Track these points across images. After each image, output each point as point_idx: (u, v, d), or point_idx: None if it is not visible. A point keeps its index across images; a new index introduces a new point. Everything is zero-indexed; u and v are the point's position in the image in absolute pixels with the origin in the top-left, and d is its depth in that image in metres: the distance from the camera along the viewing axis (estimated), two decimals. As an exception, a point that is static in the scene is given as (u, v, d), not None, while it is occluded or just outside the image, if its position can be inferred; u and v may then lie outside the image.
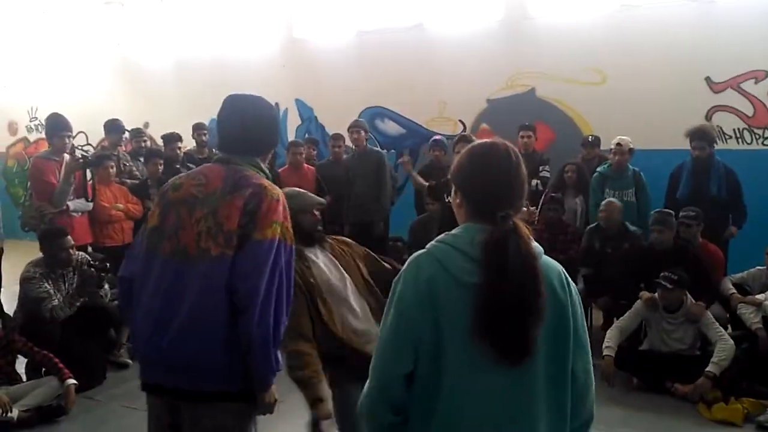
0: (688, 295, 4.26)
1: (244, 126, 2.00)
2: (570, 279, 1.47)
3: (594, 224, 5.26)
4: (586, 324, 1.50)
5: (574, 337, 1.43)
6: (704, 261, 4.63)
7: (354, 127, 6.18)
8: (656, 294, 4.28)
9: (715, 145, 5.33)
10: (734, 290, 4.61)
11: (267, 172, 2.02)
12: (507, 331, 1.30)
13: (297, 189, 3.01)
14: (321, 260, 2.52)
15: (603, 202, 5.18)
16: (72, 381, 3.84)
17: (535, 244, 1.41)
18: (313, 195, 2.81)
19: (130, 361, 4.66)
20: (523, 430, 1.38)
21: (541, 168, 6.01)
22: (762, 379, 4.02)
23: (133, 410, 3.90)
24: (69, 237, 4.37)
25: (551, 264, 1.45)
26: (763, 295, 4.45)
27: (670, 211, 4.73)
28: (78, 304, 4.29)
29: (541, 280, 1.34)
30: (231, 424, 1.87)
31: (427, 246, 1.44)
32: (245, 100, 2.06)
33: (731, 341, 4.07)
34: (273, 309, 1.81)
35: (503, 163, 1.43)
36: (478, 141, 1.54)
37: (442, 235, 1.44)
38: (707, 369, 3.93)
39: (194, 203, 1.89)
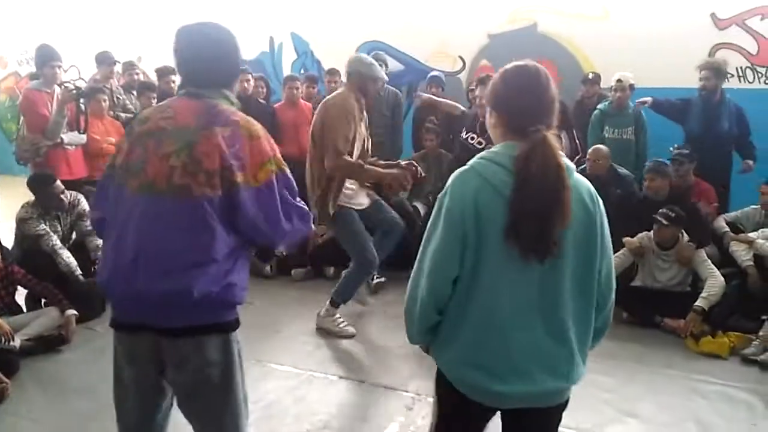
0: (684, 234, 4.29)
1: (208, 57, 1.87)
2: (598, 195, 1.61)
3: (583, 166, 5.12)
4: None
5: (601, 243, 1.60)
6: (701, 207, 4.65)
7: (378, 61, 5.82)
8: (651, 231, 4.32)
9: (723, 80, 5.23)
10: (727, 228, 4.66)
11: (237, 102, 1.94)
12: (531, 233, 1.47)
13: (369, 59, 3.95)
14: None
15: (589, 150, 5.02)
16: (72, 311, 3.90)
17: (565, 160, 1.55)
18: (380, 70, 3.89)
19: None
20: (553, 322, 1.57)
21: None
22: (750, 314, 4.11)
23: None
24: (58, 182, 4.33)
25: (581, 180, 1.60)
26: (755, 233, 4.49)
27: (665, 161, 4.65)
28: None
29: (566, 188, 1.50)
30: (217, 359, 1.85)
31: (470, 162, 1.58)
32: (204, 30, 1.91)
33: (721, 278, 4.13)
34: (287, 227, 1.88)
35: (532, 82, 1.58)
36: (510, 64, 1.65)
37: (483, 152, 1.59)
38: (696, 303, 4.01)
39: (162, 136, 1.79)
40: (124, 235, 1.77)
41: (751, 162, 5.26)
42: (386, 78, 4.17)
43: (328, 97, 3.91)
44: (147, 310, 1.78)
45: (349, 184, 3.94)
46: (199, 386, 1.85)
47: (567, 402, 1.69)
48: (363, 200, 4.09)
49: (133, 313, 1.81)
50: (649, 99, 5.31)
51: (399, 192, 5.07)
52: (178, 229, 1.74)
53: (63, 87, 4.77)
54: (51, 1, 9.43)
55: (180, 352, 1.81)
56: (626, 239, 4.37)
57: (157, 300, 1.74)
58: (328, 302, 4.14)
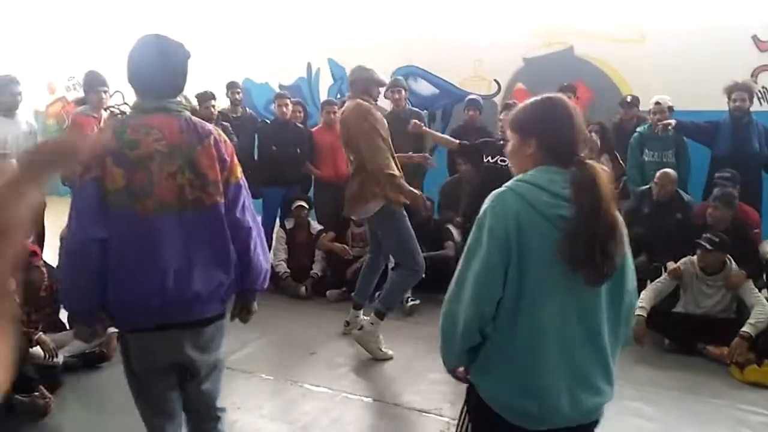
0: (731, 260, 4.18)
1: (170, 69, 2.00)
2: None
3: (646, 187, 5.05)
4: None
5: (627, 263, 1.64)
6: (752, 233, 4.55)
7: (394, 87, 5.92)
8: (695, 256, 4.22)
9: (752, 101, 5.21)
10: (772, 255, 4.52)
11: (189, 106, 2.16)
12: (598, 258, 1.50)
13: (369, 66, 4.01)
14: None
15: (658, 173, 4.91)
16: (113, 329, 3.97)
17: None
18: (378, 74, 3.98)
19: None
20: (594, 341, 1.59)
21: None
22: (798, 343, 3.96)
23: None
24: None
25: None
26: (802, 259, 4.36)
27: (734, 192, 4.52)
28: None
29: (617, 212, 1.58)
30: (220, 337, 2.16)
31: (507, 185, 1.60)
32: (164, 42, 2.02)
33: (769, 305, 4.00)
34: (259, 234, 2.12)
35: (573, 113, 1.65)
36: (543, 95, 1.71)
37: (518, 176, 1.62)
38: (743, 329, 3.88)
39: (161, 158, 1.92)
40: (147, 252, 1.91)
41: None
42: (385, 82, 4.33)
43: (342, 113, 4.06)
44: (182, 311, 1.98)
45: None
46: (218, 361, 2.17)
47: (600, 419, 1.69)
48: None
49: (162, 315, 1.96)
50: (673, 121, 5.23)
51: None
52: (203, 236, 1.96)
53: (109, 111, 4.94)
54: (97, 28, 9.79)
55: (205, 337, 2.07)
56: (669, 263, 4.29)
57: (195, 300, 1.97)
58: (372, 314, 4.06)
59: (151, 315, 1.96)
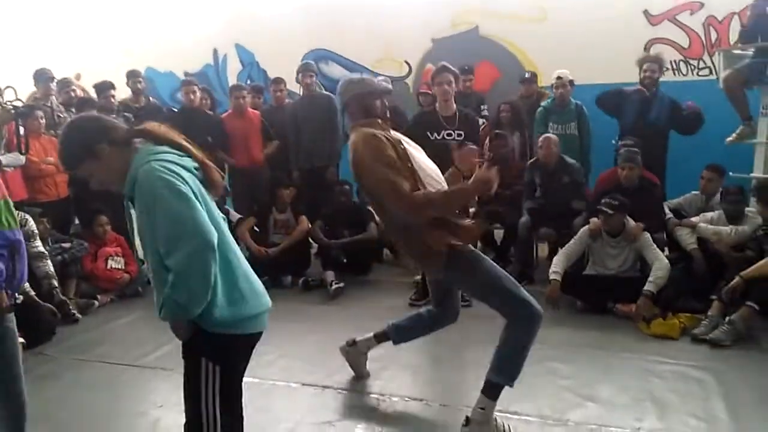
0: (629, 219, 4.44)
1: None
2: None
3: (534, 159, 5.34)
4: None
5: None
6: (656, 189, 4.87)
7: (306, 71, 5.99)
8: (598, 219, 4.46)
9: (662, 72, 5.48)
10: (671, 215, 4.82)
11: None
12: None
13: (359, 75, 3.33)
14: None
15: (540, 138, 5.24)
16: (20, 340, 3.73)
17: None
18: (375, 80, 3.09)
19: (79, 316, 4.60)
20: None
21: (482, 107, 6.10)
22: (697, 295, 4.27)
23: (84, 362, 3.87)
24: None
25: None
26: (697, 218, 4.68)
27: (637, 150, 4.78)
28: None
29: None
30: None
31: (151, 161, 1.81)
32: None
33: (666, 261, 4.28)
34: None
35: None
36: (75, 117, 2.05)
37: (153, 153, 1.86)
38: (645, 288, 4.14)
39: None
40: None
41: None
42: (389, 87, 3.27)
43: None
44: None
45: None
46: None
47: None
48: None
49: None
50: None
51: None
52: None
53: (0, 107, 4.60)
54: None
55: None
56: (592, 219, 4.53)
57: None
58: (481, 395, 2.78)
59: None
